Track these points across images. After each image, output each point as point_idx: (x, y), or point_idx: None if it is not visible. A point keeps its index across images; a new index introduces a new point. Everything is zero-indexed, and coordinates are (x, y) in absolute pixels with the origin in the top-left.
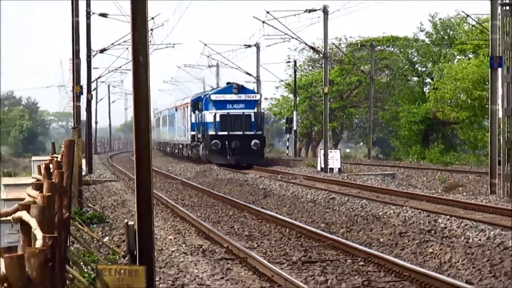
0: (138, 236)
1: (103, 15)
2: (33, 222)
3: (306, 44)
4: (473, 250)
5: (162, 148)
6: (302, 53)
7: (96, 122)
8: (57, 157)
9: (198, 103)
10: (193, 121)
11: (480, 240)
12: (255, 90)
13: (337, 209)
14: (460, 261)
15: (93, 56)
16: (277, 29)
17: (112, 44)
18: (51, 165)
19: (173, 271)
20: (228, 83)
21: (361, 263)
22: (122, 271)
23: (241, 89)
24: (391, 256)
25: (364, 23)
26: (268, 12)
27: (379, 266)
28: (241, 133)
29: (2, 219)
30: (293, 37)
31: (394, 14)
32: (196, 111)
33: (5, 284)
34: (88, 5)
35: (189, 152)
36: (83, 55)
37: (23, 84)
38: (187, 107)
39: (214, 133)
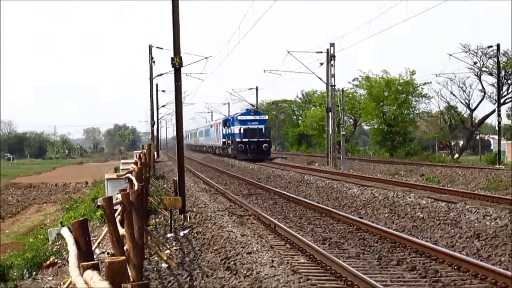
0: (178, 184)
1: (163, 91)
2: (133, 178)
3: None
4: (319, 188)
5: (198, 148)
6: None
7: (160, 136)
8: (144, 151)
9: (226, 122)
10: (224, 133)
11: (323, 183)
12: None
13: (263, 171)
14: (315, 193)
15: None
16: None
17: (167, 102)
18: (141, 154)
19: (193, 198)
20: (247, 109)
21: (272, 195)
22: (171, 198)
23: (256, 112)
24: (285, 191)
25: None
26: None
27: (281, 196)
28: (256, 139)
29: (122, 177)
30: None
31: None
32: (225, 127)
33: (121, 204)
34: (156, 89)
35: (220, 151)
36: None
37: (130, 119)
38: (219, 124)
39: (240, 140)
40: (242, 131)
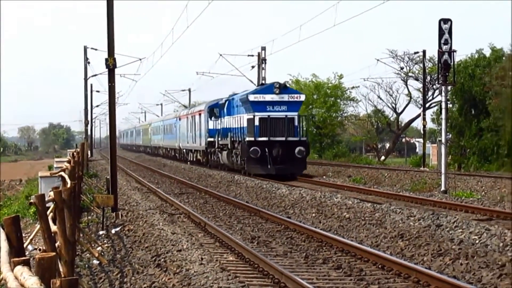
0: (111, 182)
1: (97, 91)
2: (66, 176)
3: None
4: (249, 188)
5: (151, 151)
6: None
7: (94, 135)
8: (77, 150)
9: (217, 108)
10: (211, 127)
11: (252, 183)
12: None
13: (194, 171)
14: (245, 193)
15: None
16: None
17: (101, 103)
18: (75, 153)
19: (125, 197)
20: (262, 83)
21: (203, 194)
22: (104, 196)
23: (284, 89)
24: (215, 190)
25: None
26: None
27: (211, 195)
28: (283, 139)
29: (55, 175)
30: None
31: None
32: (213, 118)
33: (54, 201)
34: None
35: (201, 158)
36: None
37: (64, 118)
38: (199, 114)
39: (252, 139)
40: (257, 122)
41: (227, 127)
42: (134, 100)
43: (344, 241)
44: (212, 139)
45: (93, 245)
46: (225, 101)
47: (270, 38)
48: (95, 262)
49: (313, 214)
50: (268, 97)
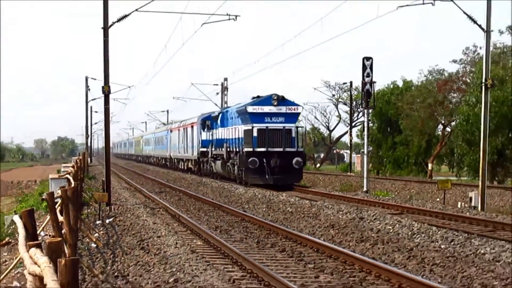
0: (106, 183)
1: (96, 111)
2: (71, 178)
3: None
4: (214, 188)
5: (142, 160)
6: None
7: (93, 146)
8: (80, 158)
9: (208, 121)
10: (204, 138)
11: (216, 184)
12: None
13: (171, 175)
14: (211, 192)
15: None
16: None
17: (99, 120)
18: (77, 160)
19: (117, 194)
20: (257, 96)
21: (178, 192)
22: (100, 194)
23: (282, 101)
24: (188, 190)
25: None
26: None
27: (184, 193)
28: (281, 149)
29: (62, 177)
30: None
31: None
32: (206, 129)
33: (61, 198)
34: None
35: (192, 166)
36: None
37: (69, 132)
38: (191, 127)
39: (251, 149)
40: (255, 133)
41: (222, 138)
42: (124, 118)
43: (288, 230)
44: (205, 149)
45: (91, 232)
46: (219, 113)
47: (233, 69)
48: (93, 245)
49: (264, 209)
50: (266, 109)
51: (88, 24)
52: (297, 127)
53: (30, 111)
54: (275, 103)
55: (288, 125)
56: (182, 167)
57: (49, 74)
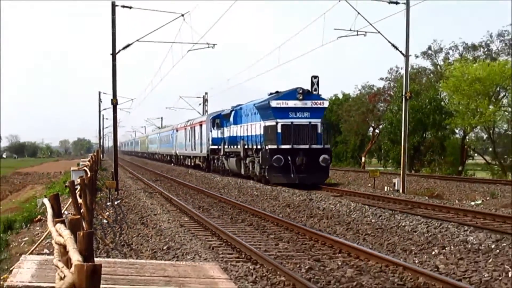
0: (114, 173)
1: (106, 118)
2: (87, 170)
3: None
4: (198, 177)
5: (147, 156)
6: None
7: (104, 145)
8: (94, 154)
9: (218, 119)
10: (214, 136)
11: (199, 174)
12: None
13: (165, 166)
14: (195, 179)
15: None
16: None
17: (109, 125)
18: (93, 156)
19: (123, 182)
20: (276, 91)
21: (170, 180)
22: (110, 181)
23: (307, 94)
24: (177, 178)
25: None
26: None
27: (174, 181)
28: (307, 146)
29: (81, 169)
30: None
31: None
32: (216, 127)
33: (80, 185)
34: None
35: (202, 163)
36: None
37: (86, 134)
38: (200, 125)
39: (275, 146)
40: (279, 129)
41: (235, 135)
42: (128, 123)
43: (254, 209)
44: (215, 147)
45: (103, 211)
46: (231, 111)
47: (214, 84)
48: (105, 221)
49: (236, 192)
50: (291, 103)
51: (105, 46)
52: (323, 123)
53: (58, 119)
54: (300, 97)
55: (314, 121)
56: (189, 164)
57: (80, 94)
